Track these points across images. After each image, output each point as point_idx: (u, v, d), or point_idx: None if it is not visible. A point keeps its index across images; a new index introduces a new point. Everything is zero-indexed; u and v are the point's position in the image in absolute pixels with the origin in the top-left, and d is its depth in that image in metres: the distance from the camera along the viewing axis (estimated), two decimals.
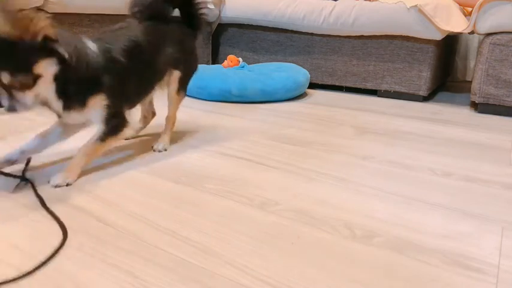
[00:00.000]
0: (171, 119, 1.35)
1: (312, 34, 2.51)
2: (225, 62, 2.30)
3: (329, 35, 2.46)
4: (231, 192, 1.00)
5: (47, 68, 0.92)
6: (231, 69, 2.19)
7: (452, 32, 2.13)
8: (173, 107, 1.35)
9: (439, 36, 2.16)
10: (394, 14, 2.22)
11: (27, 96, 0.92)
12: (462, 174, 1.19)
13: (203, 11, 1.33)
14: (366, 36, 2.37)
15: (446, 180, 1.14)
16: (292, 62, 2.50)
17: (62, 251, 0.72)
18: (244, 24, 2.69)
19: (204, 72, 2.08)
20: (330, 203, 0.96)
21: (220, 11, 2.68)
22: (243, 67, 2.26)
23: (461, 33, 2.29)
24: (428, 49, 2.25)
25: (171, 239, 0.77)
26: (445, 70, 2.77)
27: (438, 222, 0.89)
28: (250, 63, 2.44)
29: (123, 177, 1.07)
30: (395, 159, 1.29)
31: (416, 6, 2.13)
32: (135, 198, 0.95)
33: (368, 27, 2.31)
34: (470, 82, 2.18)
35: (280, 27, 2.57)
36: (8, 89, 0.90)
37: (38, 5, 1.74)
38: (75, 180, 1.01)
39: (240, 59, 2.33)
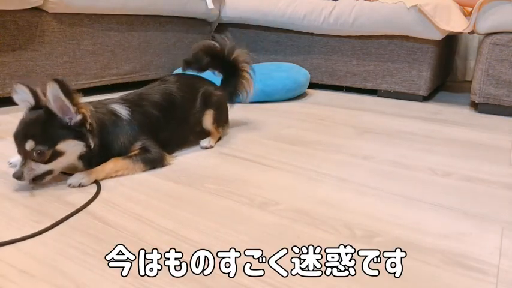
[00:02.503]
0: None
1: (312, 34, 2.51)
2: None
3: (329, 35, 2.46)
4: (231, 192, 1.00)
5: (70, 148, 0.98)
6: None
7: (452, 32, 2.13)
8: (212, 134, 1.38)
9: (439, 36, 2.16)
10: (394, 13, 2.22)
11: (39, 168, 0.95)
12: (462, 174, 1.19)
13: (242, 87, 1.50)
14: (365, 36, 2.37)
15: (446, 180, 1.14)
16: (292, 62, 2.49)
17: (62, 251, 0.73)
18: (244, 24, 2.69)
19: (204, 72, 2.07)
20: (330, 203, 0.96)
21: (220, 11, 2.68)
22: None
23: (461, 33, 2.29)
24: (428, 49, 2.25)
25: (171, 239, 0.77)
26: (445, 70, 2.77)
27: (438, 222, 0.89)
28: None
29: (122, 177, 1.06)
30: (396, 159, 1.29)
31: (416, 6, 2.13)
32: (135, 198, 0.95)
33: (368, 27, 2.31)
34: (470, 82, 2.18)
35: (280, 27, 2.57)
36: (26, 156, 0.94)
37: (38, 4, 1.73)
38: (90, 184, 1.00)
39: None
